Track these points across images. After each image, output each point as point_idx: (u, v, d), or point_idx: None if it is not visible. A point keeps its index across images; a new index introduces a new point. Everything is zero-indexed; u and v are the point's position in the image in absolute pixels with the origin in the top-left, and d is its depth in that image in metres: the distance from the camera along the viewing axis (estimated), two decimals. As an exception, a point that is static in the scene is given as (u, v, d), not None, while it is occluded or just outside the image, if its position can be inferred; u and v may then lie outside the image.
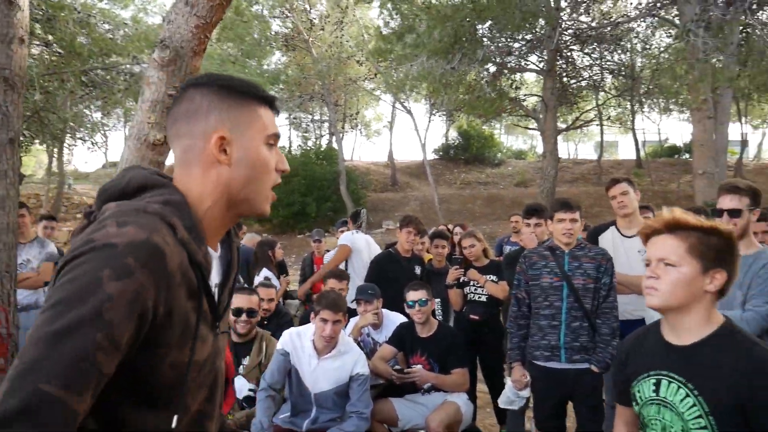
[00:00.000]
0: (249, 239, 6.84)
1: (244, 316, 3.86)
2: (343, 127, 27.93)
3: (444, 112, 25.56)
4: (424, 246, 5.85)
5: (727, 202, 3.01)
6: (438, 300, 5.22)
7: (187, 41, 3.65)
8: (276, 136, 1.22)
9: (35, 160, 42.55)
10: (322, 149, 25.36)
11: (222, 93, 1.18)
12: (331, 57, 22.98)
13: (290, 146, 28.52)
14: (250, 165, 1.17)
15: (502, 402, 3.89)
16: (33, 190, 28.32)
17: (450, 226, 7.75)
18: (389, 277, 5.03)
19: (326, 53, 23.03)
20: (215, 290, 1.21)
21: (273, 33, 23.67)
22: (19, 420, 0.84)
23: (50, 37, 12.86)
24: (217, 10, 3.64)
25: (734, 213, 2.98)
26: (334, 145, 26.02)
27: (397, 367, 4.11)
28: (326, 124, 30.40)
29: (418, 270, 5.26)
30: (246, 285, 5.27)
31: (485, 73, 16.60)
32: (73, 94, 13.42)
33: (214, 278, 1.20)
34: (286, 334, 3.76)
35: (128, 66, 13.60)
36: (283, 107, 26.84)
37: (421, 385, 4.07)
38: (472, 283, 4.92)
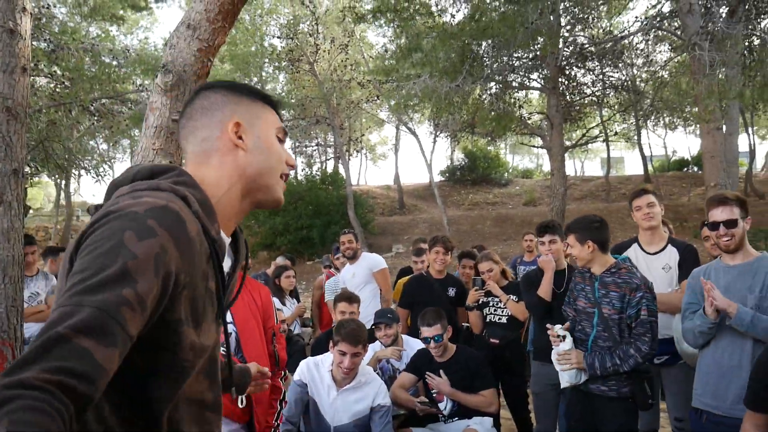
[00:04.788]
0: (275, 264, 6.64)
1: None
2: (348, 151, 27.88)
3: (448, 134, 25.49)
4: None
5: (719, 213, 3.01)
6: (468, 325, 5.09)
7: (189, 65, 3.55)
8: (284, 131, 1.35)
9: (43, 194, 42.68)
10: (327, 174, 25.31)
11: (232, 91, 1.31)
12: (335, 80, 23.03)
13: (295, 172, 28.52)
14: (265, 151, 1.28)
15: (564, 382, 3.41)
16: (42, 223, 28.37)
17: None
18: (421, 301, 4.90)
19: (330, 76, 23.10)
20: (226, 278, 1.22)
21: (276, 52, 23.75)
22: (39, 358, 0.83)
23: (55, 68, 12.91)
24: (219, 33, 3.55)
25: (730, 224, 2.98)
26: (340, 170, 25.98)
27: (421, 398, 3.94)
28: (330, 149, 30.39)
29: (452, 292, 5.10)
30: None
31: (489, 91, 16.56)
32: (78, 123, 13.43)
33: (227, 266, 1.24)
34: (303, 364, 3.60)
35: (134, 94, 13.62)
36: (288, 134, 26.89)
37: (440, 396, 3.94)
38: (491, 304, 4.76)
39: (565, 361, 3.25)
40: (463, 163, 31.82)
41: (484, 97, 16.96)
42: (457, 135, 23.78)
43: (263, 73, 26.47)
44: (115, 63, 14.33)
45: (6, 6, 3.58)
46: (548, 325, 3.38)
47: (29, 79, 4.08)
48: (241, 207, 1.27)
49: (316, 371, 3.52)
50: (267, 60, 24.90)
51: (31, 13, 3.86)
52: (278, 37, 23.82)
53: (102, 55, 13.98)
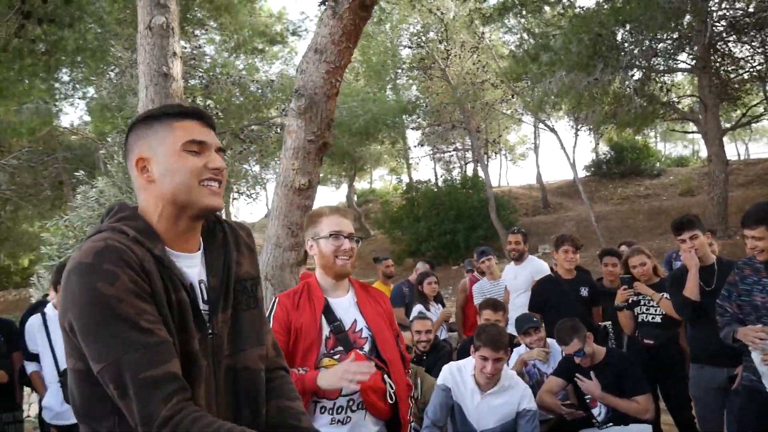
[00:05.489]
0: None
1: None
2: (486, 153, 27.63)
3: (590, 127, 24.47)
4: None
5: None
6: (610, 323, 4.84)
7: (319, 87, 3.75)
8: (194, 142, 1.35)
9: (207, 217, 46.61)
10: (467, 178, 25.23)
11: (140, 126, 1.38)
12: (468, 83, 22.99)
13: (435, 179, 28.73)
14: (170, 174, 1.32)
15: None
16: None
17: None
18: (552, 304, 4.77)
19: (463, 80, 23.08)
20: (200, 286, 1.37)
21: (407, 63, 24.20)
22: (152, 401, 1.14)
23: (209, 102, 14.12)
24: (344, 53, 3.73)
25: None
26: (480, 173, 25.81)
27: (567, 402, 3.83)
28: (469, 153, 30.29)
29: (584, 292, 4.89)
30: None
31: (631, 80, 15.67)
32: (231, 149, 14.53)
33: (197, 275, 1.38)
34: (446, 369, 3.64)
35: (279, 118, 14.51)
36: (425, 141, 27.29)
37: (593, 402, 3.78)
38: (642, 302, 4.49)
39: None
40: (609, 155, 30.23)
41: (625, 85, 16.07)
42: (599, 128, 22.72)
43: (398, 82, 27.00)
44: (260, 92, 15.36)
45: (159, 53, 4.01)
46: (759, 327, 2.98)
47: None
48: (182, 225, 1.36)
49: (459, 376, 3.53)
50: (399, 70, 25.41)
51: (180, 57, 4.30)
52: (409, 47, 24.27)
53: (249, 86, 15.04)
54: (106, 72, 12.76)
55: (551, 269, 5.70)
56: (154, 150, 1.35)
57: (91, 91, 14.12)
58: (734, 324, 3.13)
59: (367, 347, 2.31)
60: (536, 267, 5.67)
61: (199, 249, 1.41)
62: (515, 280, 5.68)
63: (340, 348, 2.26)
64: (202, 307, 1.36)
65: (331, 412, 2.22)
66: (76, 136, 18.34)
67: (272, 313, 2.31)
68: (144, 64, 4.08)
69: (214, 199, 1.36)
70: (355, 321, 2.34)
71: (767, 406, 2.99)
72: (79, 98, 16.00)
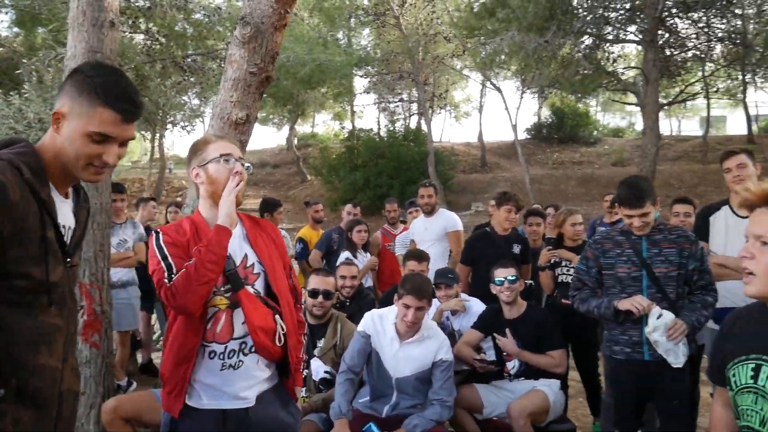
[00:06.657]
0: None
1: (320, 298, 3.80)
2: (431, 107, 27.54)
3: (535, 90, 24.75)
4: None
5: None
6: (532, 282, 4.98)
7: (267, 17, 3.58)
8: (98, 134, 1.52)
9: (140, 147, 44.89)
10: (410, 130, 25.16)
11: (81, 85, 1.52)
12: (421, 34, 22.70)
13: (378, 129, 28.53)
14: (69, 142, 1.52)
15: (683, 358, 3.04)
16: (138, 175, 29.94)
17: (541, 207, 7.38)
18: (484, 258, 4.83)
19: (416, 30, 22.77)
20: (67, 230, 1.57)
21: (362, 6, 23.66)
22: None
23: (152, 25, 13.38)
24: (296, -17, 3.55)
25: None
26: (423, 127, 25.79)
27: (482, 356, 3.93)
28: (414, 105, 30.16)
29: (516, 249, 4.99)
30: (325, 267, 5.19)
31: (581, 46, 15.84)
32: (165, 76, 13.87)
33: (67, 221, 1.58)
34: (368, 315, 3.66)
35: (222, 51, 13.92)
36: (372, 89, 26.94)
37: (510, 357, 3.91)
38: (564, 264, 4.65)
39: (679, 334, 2.96)
40: (550, 120, 30.80)
41: (575, 50, 16.22)
42: (544, 91, 23.00)
43: (351, 26, 26.38)
44: (206, 20, 14.65)
45: (93, -38, 3.72)
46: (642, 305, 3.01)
47: (119, 34, 4.25)
48: (64, 173, 1.56)
49: (380, 323, 3.57)
50: (353, 14, 24.82)
51: (116, -31, 4.00)
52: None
53: (194, 12, 14.32)
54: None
55: (486, 225, 5.79)
56: (73, 116, 1.52)
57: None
58: (597, 298, 3.24)
59: (259, 283, 2.20)
60: (449, 220, 5.73)
61: (68, 197, 1.63)
62: (425, 232, 5.71)
63: (230, 285, 2.12)
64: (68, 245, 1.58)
65: (221, 356, 2.11)
66: (3, 48, 17.14)
67: (160, 244, 2.11)
68: (76, -29, 3.78)
69: (94, 177, 1.58)
70: (246, 256, 2.20)
71: (642, 375, 3.13)
72: (11, 6, 14.85)
